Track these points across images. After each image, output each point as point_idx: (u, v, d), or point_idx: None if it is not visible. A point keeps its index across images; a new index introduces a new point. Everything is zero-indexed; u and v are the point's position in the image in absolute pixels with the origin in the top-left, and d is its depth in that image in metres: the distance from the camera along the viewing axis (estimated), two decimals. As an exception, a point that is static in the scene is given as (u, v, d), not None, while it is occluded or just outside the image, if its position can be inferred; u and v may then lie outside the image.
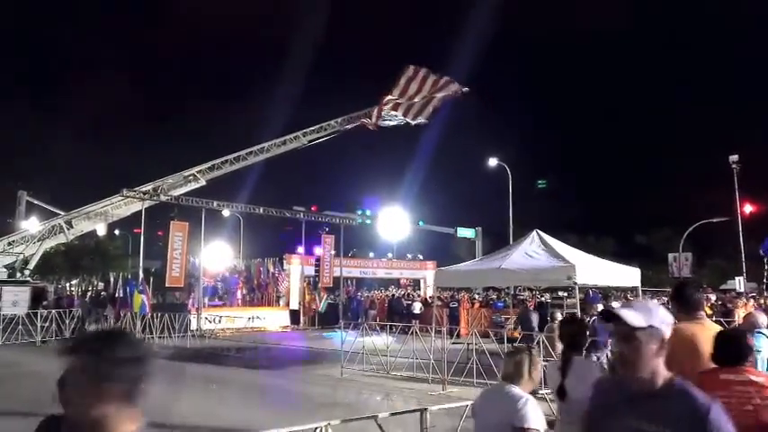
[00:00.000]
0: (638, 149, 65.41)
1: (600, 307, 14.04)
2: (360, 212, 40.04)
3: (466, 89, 33.10)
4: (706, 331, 3.83)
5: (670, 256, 33.04)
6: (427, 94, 31.97)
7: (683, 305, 4.06)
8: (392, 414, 6.80)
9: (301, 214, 33.18)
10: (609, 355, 10.81)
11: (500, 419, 3.37)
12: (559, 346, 10.82)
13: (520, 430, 3.26)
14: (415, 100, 32.05)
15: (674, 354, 3.77)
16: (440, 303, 23.27)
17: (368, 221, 36.15)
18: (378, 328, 16.34)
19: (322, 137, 35.44)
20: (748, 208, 29.40)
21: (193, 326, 23.00)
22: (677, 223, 36.37)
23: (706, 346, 3.72)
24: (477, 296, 28.22)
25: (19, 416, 9.09)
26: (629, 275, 13.31)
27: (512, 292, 23.18)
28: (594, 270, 12.34)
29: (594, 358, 9.45)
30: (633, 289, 14.56)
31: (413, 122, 32.87)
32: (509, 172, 34.35)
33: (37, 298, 24.35)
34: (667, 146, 59.15)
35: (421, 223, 42.54)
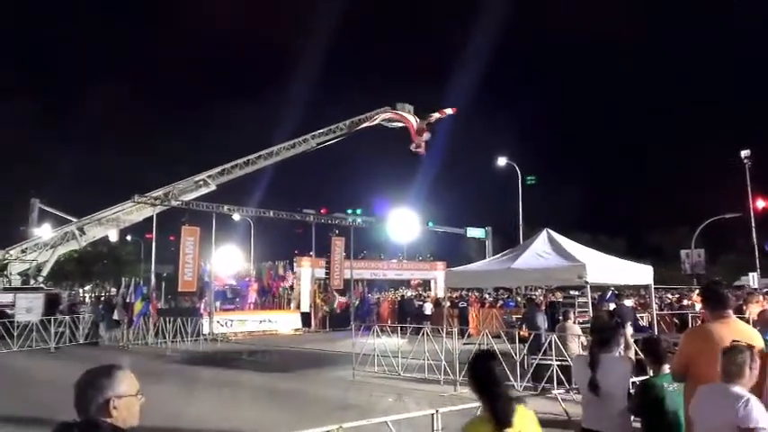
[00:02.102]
0: (648, 147, 65.06)
1: (612, 306, 13.98)
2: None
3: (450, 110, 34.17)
4: (734, 332, 3.81)
5: (682, 252, 32.80)
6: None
7: (712, 304, 4.06)
8: (404, 416, 6.80)
9: (311, 217, 33.22)
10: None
11: (724, 420, 3.34)
12: (573, 347, 10.78)
13: (746, 431, 3.24)
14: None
15: (702, 356, 3.77)
16: (449, 304, 23.22)
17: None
18: (389, 329, 16.36)
19: (330, 139, 35.55)
20: (761, 203, 29.10)
21: (206, 330, 23.10)
22: (689, 220, 36.16)
23: None
24: (487, 296, 28.16)
25: (33, 422, 9.19)
26: (641, 273, 13.22)
27: (523, 292, 23.11)
28: (606, 268, 12.27)
29: (617, 353, 9.39)
30: (646, 287, 14.48)
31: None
32: (518, 171, 34.26)
33: (51, 304, 24.55)
34: (678, 143, 58.83)
35: (430, 224, 42.49)
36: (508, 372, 11.48)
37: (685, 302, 18.68)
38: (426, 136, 33.60)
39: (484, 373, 2.87)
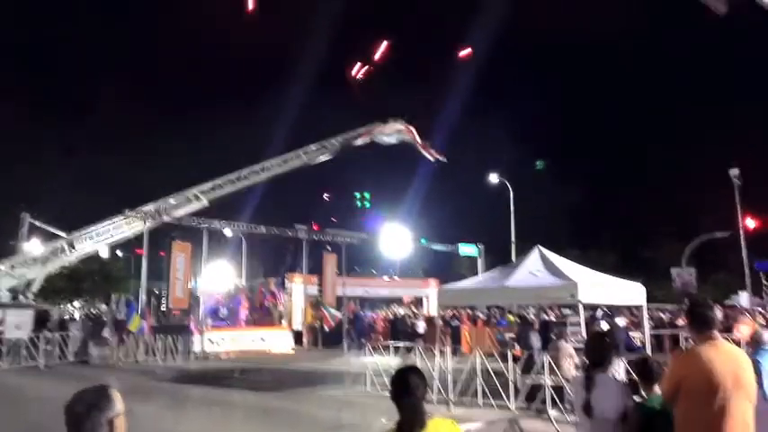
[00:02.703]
0: (642, 160, 65.39)
1: (605, 326, 14.00)
2: (358, 195, 39.92)
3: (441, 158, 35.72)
4: (722, 354, 3.83)
5: (673, 270, 32.88)
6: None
7: (698, 326, 4.06)
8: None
9: (303, 233, 33.18)
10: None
11: None
12: (566, 366, 10.75)
13: None
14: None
15: (692, 381, 3.78)
16: (441, 322, 23.19)
17: (367, 204, 36.59)
18: (381, 347, 16.31)
19: (323, 154, 35.61)
20: (751, 222, 29.33)
21: (197, 347, 22.92)
22: (681, 237, 36.33)
23: (724, 370, 3.73)
24: (480, 314, 28.10)
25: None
26: (633, 292, 13.25)
27: (515, 311, 23.08)
28: (598, 287, 12.31)
29: (611, 374, 9.39)
30: (638, 307, 14.51)
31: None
32: (510, 188, 34.40)
33: (40, 321, 24.27)
34: (670, 158, 59.15)
35: (423, 241, 42.54)
36: (490, 392, 11.51)
37: (679, 322, 18.73)
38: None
39: (398, 384, 2.90)
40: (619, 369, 10.84)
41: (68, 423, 2.21)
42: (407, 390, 2.86)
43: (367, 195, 42.89)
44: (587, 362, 4.58)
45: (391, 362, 14.32)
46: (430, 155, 36.51)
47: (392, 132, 35.90)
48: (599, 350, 4.65)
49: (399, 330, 26.61)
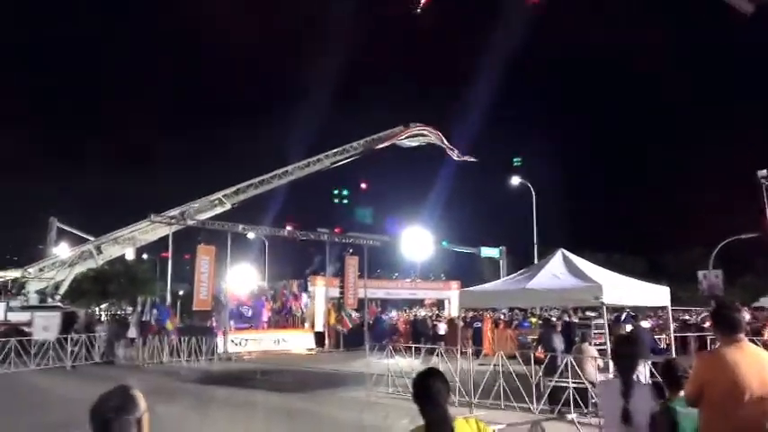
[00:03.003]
0: (666, 165, 64.60)
1: (628, 327, 13.85)
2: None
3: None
4: (748, 357, 3.77)
5: (699, 273, 32.38)
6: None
7: (723, 328, 3.99)
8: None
9: (325, 236, 33.31)
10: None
11: None
12: (591, 369, 10.64)
13: None
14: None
15: (716, 382, 3.73)
16: (463, 324, 23.11)
17: (345, 201, 36.45)
18: (403, 349, 16.31)
19: (344, 159, 35.80)
20: (778, 223, 28.72)
21: (220, 348, 23.15)
22: (706, 240, 35.75)
23: (750, 372, 3.67)
24: (501, 316, 27.95)
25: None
26: (658, 294, 13.09)
27: (538, 312, 22.92)
28: (622, 289, 12.18)
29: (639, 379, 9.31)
30: (663, 308, 14.33)
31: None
32: (533, 191, 34.19)
33: (67, 323, 24.74)
34: (696, 161, 58.31)
35: (444, 243, 42.44)
36: (513, 395, 11.45)
37: (706, 324, 18.44)
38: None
39: (421, 389, 2.88)
40: (644, 371, 10.73)
41: (96, 428, 2.22)
42: (430, 395, 2.85)
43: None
44: (619, 367, 4.43)
45: (412, 364, 14.32)
46: (457, 156, 36.52)
47: (414, 136, 35.98)
48: (630, 355, 4.51)
49: (420, 332, 26.59)
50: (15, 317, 24.87)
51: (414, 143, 36.74)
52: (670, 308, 13.43)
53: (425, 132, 36.15)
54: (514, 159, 37.23)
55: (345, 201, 42.87)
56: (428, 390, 2.86)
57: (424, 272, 49.84)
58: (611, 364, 10.26)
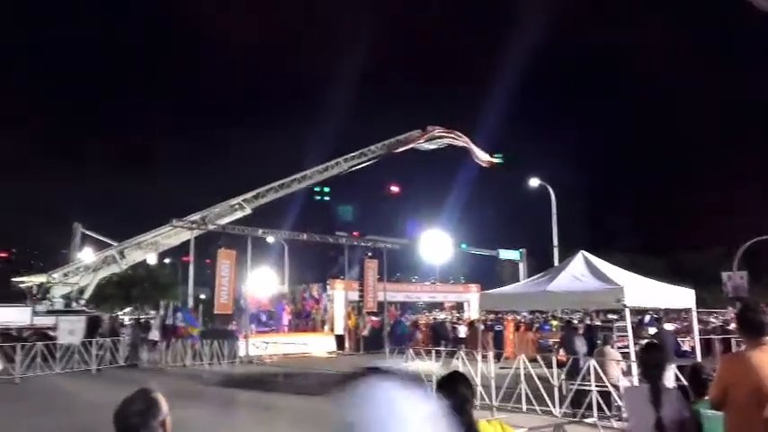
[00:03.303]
0: (687, 165, 63.74)
1: (652, 330, 13.70)
2: (318, 189, 38.67)
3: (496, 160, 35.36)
4: None
5: (724, 275, 31.88)
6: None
7: (748, 330, 3.95)
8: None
9: (344, 239, 33.44)
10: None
11: None
12: (614, 373, 10.53)
13: None
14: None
15: (740, 385, 3.69)
16: (484, 327, 23.02)
17: (326, 198, 36.21)
18: (423, 352, 16.30)
19: (362, 162, 35.84)
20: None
21: (242, 352, 23.33)
22: (731, 240, 35.18)
23: None
24: (522, 319, 27.80)
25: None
26: (682, 297, 12.93)
27: (559, 315, 22.75)
28: (645, 291, 12.07)
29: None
30: (687, 311, 14.16)
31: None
32: (552, 192, 33.93)
33: (92, 327, 25.10)
34: (719, 159, 57.48)
35: (463, 246, 42.31)
36: (534, 398, 11.38)
37: (731, 327, 18.15)
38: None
39: (444, 394, 2.81)
40: (668, 375, 10.61)
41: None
42: (455, 401, 2.80)
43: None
44: (647, 375, 4.32)
45: (432, 367, 14.31)
46: (481, 160, 36.28)
47: (433, 139, 35.94)
48: (658, 363, 4.41)
49: (440, 335, 26.55)
50: (41, 321, 25.27)
51: (432, 146, 36.67)
52: (695, 310, 13.27)
53: (444, 135, 36.05)
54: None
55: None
56: (452, 394, 2.82)
57: (443, 275, 49.81)
58: (634, 367, 10.17)
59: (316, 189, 43.48)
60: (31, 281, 30.60)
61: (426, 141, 35.56)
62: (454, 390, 2.84)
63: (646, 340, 12.30)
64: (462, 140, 35.85)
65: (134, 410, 2.24)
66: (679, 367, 10.50)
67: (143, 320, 31.22)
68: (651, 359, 4.30)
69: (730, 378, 3.84)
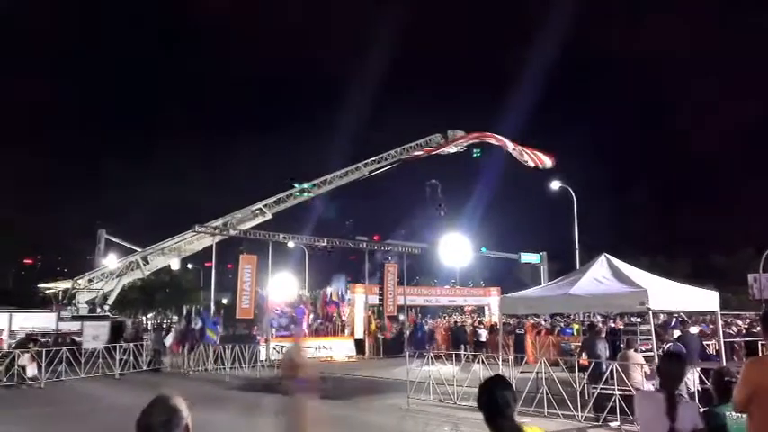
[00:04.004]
0: (712, 166, 62.85)
1: (676, 333, 13.51)
2: (297, 185, 37.37)
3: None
4: None
5: (750, 276, 31.29)
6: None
7: None
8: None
9: (364, 244, 33.52)
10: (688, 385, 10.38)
11: None
12: (637, 377, 10.38)
13: None
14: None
15: (764, 388, 3.62)
16: (504, 331, 22.87)
17: (306, 194, 35.32)
18: (443, 356, 16.25)
19: (382, 167, 35.96)
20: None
21: (263, 356, 23.46)
22: (758, 241, 34.56)
23: None
24: (543, 322, 27.53)
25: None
26: (706, 299, 12.74)
27: (580, 318, 22.53)
28: (669, 295, 11.90)
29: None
30: (711, 313, 13.94)
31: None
32: (573, 194, 33.65)
33: (116, 332, 25.47)
34: (742, 159, 56.59)
35: (484, 250, 42.08)
36: (556, 403, 11.27)
37: (758, 329, 17.79)
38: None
39: (488, 401, 2.80)
40: (692, 378, 10.44)
41: None
42: (498, 408, 2.76)
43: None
44: (664, 384, 4.23)
45: (453, 371, 14.26)
46: (534, 160, 35.55)
47: (456, 144, 35.88)
48: (677, 375, 4.25)
49: (460, 339, 26.42)
50: (66, 326, 25.71)
51: (452, 149, 36.63)
52: (719, 313, 13.06)
53: (467, 140, 35.91)
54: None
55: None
56: (496, 400, 2.77)
57: (463, 278, 49.55)
58: (656, 371, 10.02)
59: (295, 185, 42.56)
60: (56, 287, 31.19)
61: (450, 147, 35.50)
62: (493, 394, 2.81)
63: (668, 344, 12.12)
64: (502, 142, 35.50)
65: (156, 421, 2.21)
66: (703, 370, 10.34)
67: (166, 325, 31.59)
68: (668, 369, 4.20)
69: (756, 381, 3.77)
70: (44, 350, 19.10)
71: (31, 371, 18.56)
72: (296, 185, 34.43)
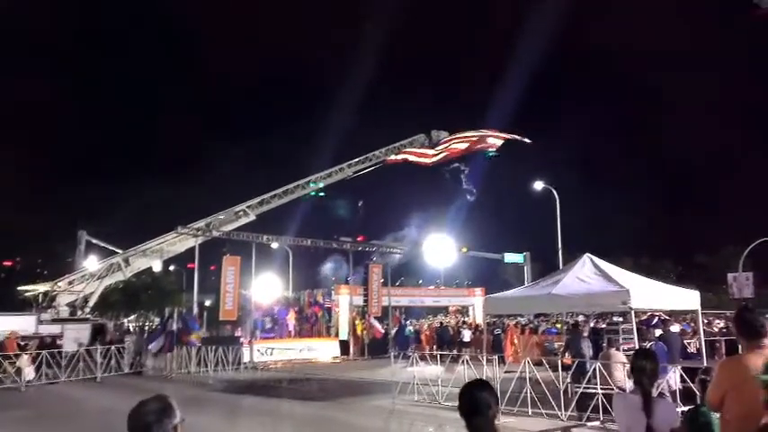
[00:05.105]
0: (693, 166, 63.59)
1: (658, 332, 13.63)
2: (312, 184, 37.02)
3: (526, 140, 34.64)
4: None
5: (729, 275, 31.67)
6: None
7: (746, 332, 3.90)
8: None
9: (348, 245, 33.46)
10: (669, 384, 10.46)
11: None
12: (619, 375, 10.44)
13: None
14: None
15: (736, 389, 3.64)
16: (488, 331, 22.93)
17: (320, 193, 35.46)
18: (428, 357, 16.26)
19: (366, 167, 35.92)
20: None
21: (246, 358, 23.31)
22: (738, 241, 35.03)
23: None
24: (523, 321, 27.63)
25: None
26: (687, 298, 12.90)
27: (563, 318, 22.64)
28: (650, 294, 12.02)
29: (656, 388, 9.12)
30: (692, 312, 14.10)
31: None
32: (556, 195, 33.88)
33: (97, 334, 25.16)
34: (725, 160, 57.36)
35: (465, 250, 42.22)
36: (540, 402, 11.33)
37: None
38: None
39: (468, 402, 2.78)
40: (673, 377, 10.55)
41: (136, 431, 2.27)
42: (478, 408, 2.74)
43: (321, 185, 42.94)
44: (638, 381, 4.25)
45: (436, 371, 14.28)
46: (514, 138, 35.37)
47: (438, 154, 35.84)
48: (649, 370, 4.32)
49: (444, 340, 26.46)
50: (46, 329, 25.35)
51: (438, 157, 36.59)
52: (700, 312, 13.21)
53: (449, 140, 35.81)
54: (488, 152, 36.73)
55: (322, 193, 42.72)
56: (476, 403, 2.75)
57: (447, 279, 49.63)
58: (629, 370, 10.10)
59: (311, 184, 43.59)
60: (36, 289, 30.72)
61: (433, 157, 35.36)
62: (473, 395, 2.80)
63: (651, 343, 12.22)
64: (466, 139, 35.32)
65: (150, 409, 2.29)
66: (685, 369, 10.45)
67: (148, 328, 31.26)
68: (640, 365, 4.21)
69: (728, 382, 3.79)
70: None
71: (29, 374, 18.41)
72: (311, 184, 34.54)
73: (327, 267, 40.18)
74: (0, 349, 19.75)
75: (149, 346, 22.17)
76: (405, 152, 35.82)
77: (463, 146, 35.43)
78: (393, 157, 35.69)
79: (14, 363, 18.52)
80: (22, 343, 21.65)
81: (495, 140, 35.17)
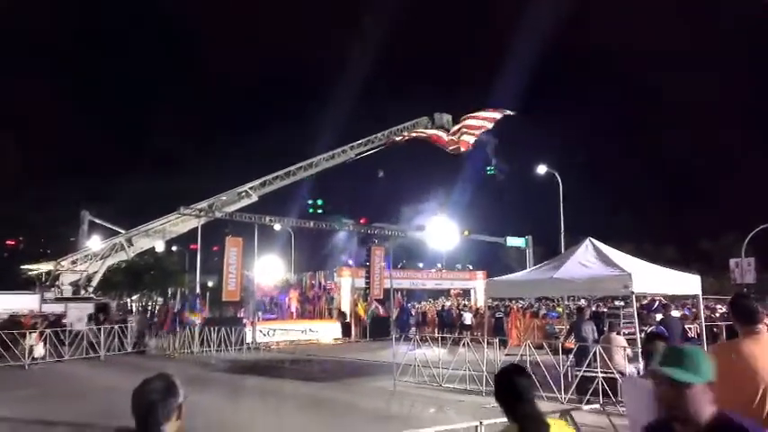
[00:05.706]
0: (694, 149, 63.30)
1: (659, 317, 13.67)
2: (311, 202, 38.27)
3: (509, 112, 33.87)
4: (766, 350, 3.66)
5: (731, 261, 31.71)
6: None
7: (741, 318, 3.90)
8: (448, 428, 6.80)
9: (350, 227, 33.50)
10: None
11: None
12: (619, 359, 10.47)
13: None
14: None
15: (729, 374, 3.63)
16: (489, 314, 23.02)
17: (320, 210, 36.23)
18: (429, 339, 16.35)
19: (369, 150, 35.77)
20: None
21: (249, 339, 23.46)
22: (740, 227, 34.99)
23: (767, 367, 3.57)
24: (522, 304, 27.71)
25: (94, 429, 9.52)
26: (688, 283, 12.90)
27: (565, 302, 22.70)
28: (652, 278, 12.02)
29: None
30: (694, 297, 14.12)
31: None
32: (559, 179, 33.78)
33: (100, 314, 25.30)
34: (728, 147, 57.04)
35: (467, 233, 42.22)
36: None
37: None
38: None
39: (508, 388, 2.76)
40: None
41: (140, 409, 2.27)
42: (520, 394, 2.73)
43: (320, 203, 44.68)
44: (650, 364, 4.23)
45: (437, 353, 14.35)
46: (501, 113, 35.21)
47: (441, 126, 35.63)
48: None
49: (446, 322, 26.59)
50: (50, 308, 25.50)
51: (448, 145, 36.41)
52: (701, 296, 13.23)
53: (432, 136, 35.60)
54: (488, 168, 36.97)
55: (321, 210, 43.97)
56: (516, 387, 2.74)
57: (449, 262, 49.79)
58: (640, 353, 10.15)
59: (309, 202, 45.10)
60: (39, 268, 30.86)
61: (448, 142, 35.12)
62: (512, 381, 2.78)
63: (651, 327, 12.27)
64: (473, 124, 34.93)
65: (154, 387, 2.30)
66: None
67: (151, 307, 31.43)
68: (655, 349, 4.21)
69: (722, 367, 3.78)
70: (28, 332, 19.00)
71: (39, 351, 18.58)
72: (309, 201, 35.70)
73: (331, 248, 40.36)
74: (15, 326, 20.04)
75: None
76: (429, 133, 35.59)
77: (472, 139, 35.19)
78: (420, 131, 35.41)
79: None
80: (32, 321, 21.86)
81: (486, 122, 34.74)
